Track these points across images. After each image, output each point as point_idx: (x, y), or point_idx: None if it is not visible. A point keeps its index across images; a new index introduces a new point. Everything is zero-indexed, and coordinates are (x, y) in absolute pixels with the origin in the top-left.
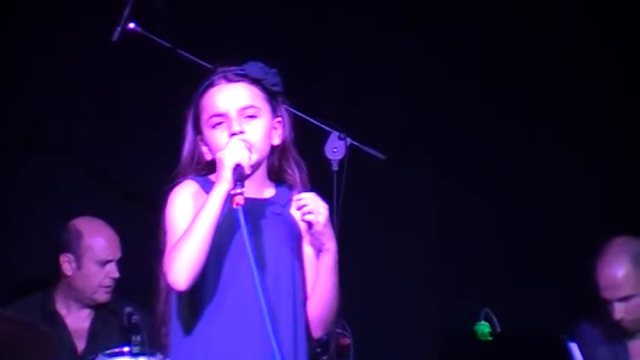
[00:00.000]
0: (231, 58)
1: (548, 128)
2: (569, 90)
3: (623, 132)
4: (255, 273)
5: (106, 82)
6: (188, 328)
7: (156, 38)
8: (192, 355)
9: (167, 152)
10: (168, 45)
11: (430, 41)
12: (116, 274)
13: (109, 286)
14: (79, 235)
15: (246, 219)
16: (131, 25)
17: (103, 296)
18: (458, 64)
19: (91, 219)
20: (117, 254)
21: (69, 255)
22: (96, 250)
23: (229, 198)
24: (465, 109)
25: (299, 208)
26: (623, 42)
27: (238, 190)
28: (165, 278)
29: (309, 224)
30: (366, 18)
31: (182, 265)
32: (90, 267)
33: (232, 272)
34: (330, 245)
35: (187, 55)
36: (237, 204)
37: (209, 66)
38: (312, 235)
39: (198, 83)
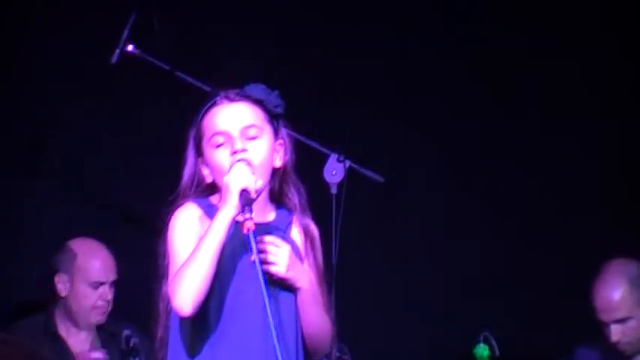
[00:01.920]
0: (229, 80)
1: (555, 137)
2: (573, 93)
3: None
4: (266, 297)
5: (106, 105)
6: (192, 350)
7: (155, 60)
8: None
9: (167, 174)
10: (166, 67)
11: (428, 53)
12: (109, 297)
13: (102, 308)
14: (74, 256)
15: (256, 243)
16: (130, 48)
17: (96, 318)
18: (457, 71)
19: (86, 240)
20: (110, 277)
21: (63, 276)
22: (88, 271)
23: (236, 223)
24: (466, 132)
25: (260, 252)
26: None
27: (247, 215)
28: (169, 302)
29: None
30: (364, 37)
31: (187, 291)
32: (82, 288)
33: (238, 296)
34: (303, 283)
35: (186, 77)
36: (248, 229)
37: (207, 88)
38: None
39: (198, 105)
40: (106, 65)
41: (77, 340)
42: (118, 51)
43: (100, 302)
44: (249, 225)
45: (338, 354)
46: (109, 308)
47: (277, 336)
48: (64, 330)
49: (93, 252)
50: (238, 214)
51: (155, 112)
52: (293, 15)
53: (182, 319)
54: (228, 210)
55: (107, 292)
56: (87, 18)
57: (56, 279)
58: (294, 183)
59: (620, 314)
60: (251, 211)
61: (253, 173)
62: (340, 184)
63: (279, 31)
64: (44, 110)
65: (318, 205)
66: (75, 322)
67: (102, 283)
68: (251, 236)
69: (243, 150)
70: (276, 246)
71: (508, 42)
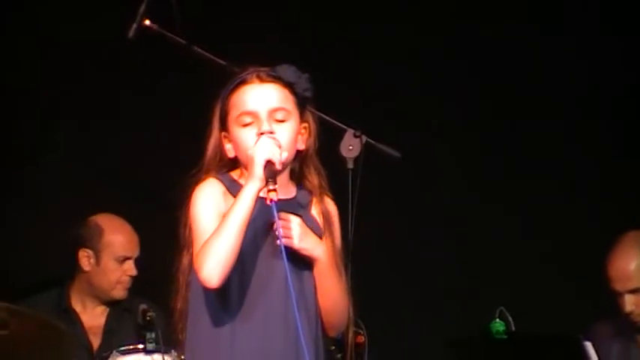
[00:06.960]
0: (245, 55)
1: (566, 130)
2: (583, 87)
3: None
4: (287, 269)
5: (120, 79)
6: (216, 321)
7: (172, 35)
8: (218, 347)
9: (183, 149)
10: (183, 41)
11: (447, 38)
12: (133, 272)
13: (126, 283)
14: (100, 231)
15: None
16: (147, 22)
17: (120, 293)
18: (473, 60)
19: (111, 216)
20: (135, 252)
21: (88, 250)
22: (116, 246)
23: (259, 199)
24: (481, 109)
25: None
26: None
27: (271, 187)
28: (189, 274)
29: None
30: (382, 15)
31: (215, 263)
32: (108, 263)
33: (261, 272)
34: (318, 253)
35: (203, 51)
36: (271, 200)
37: (224, 63)
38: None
39: (215, 80)
40: (123, 40)
41: (92, 315)
42: (135, 25)
43: (124, 277)
44: (272, 196)
45: (353, 328)
46: (130, 283)
47: (298, 310)
48: (79, 305)
49: (119, 227)
50: (263, 186)
51: (172, 86)
52: None
53: (207, 291)
54: (254, 182)
55: (132, 268)
56: None
57: (80, 253)
58: (315, 165)
59: (634, 284)
60: (275, 183)
61: (279, 147)
62: (357, 160)
63: (294, 7)
64: (61, 85)
65: (335, 180)
66: (95, 297)
67: (128, 258)
68: (273, 207)
69: (271, 132)
70: (286, 220)
71: (524, 37)
